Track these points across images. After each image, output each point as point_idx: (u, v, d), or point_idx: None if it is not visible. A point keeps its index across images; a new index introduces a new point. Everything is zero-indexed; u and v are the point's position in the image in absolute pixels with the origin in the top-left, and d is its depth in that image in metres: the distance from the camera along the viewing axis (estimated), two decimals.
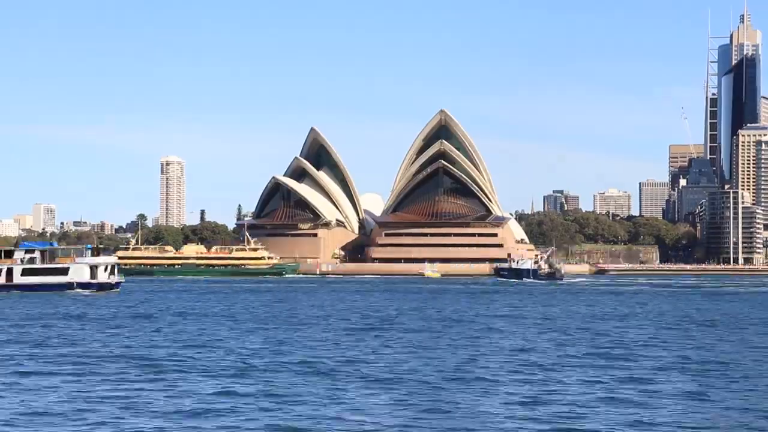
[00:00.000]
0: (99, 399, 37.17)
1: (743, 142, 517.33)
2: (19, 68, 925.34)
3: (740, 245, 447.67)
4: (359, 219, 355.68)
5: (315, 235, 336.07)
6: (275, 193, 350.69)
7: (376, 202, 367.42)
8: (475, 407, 35.49)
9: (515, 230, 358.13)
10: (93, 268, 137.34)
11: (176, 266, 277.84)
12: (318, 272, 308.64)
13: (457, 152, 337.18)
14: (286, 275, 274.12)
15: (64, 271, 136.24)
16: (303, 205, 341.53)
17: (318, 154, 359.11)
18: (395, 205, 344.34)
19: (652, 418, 33.52)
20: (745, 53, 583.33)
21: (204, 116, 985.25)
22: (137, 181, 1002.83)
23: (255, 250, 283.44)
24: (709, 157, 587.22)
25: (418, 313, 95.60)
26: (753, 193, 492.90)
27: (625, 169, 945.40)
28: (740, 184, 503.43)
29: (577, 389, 40.01)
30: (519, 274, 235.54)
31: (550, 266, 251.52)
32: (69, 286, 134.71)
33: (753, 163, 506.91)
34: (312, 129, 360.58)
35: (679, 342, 62.86)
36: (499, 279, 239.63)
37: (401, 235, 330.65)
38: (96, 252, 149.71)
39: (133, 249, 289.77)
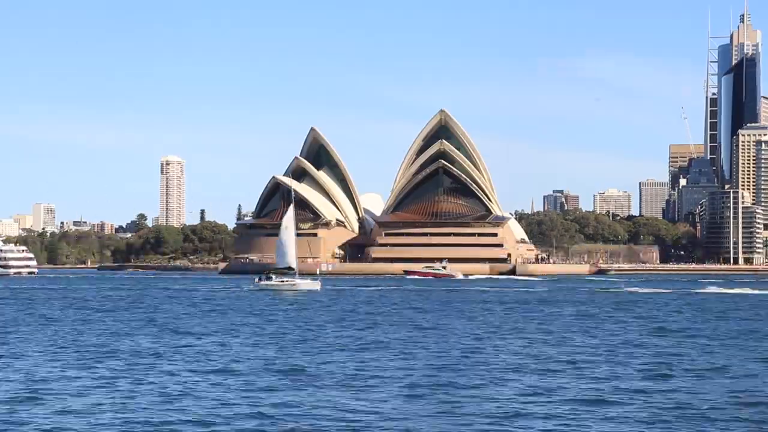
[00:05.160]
0: None
1: (743, 141, 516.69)
2: (19, 68, 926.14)
3: (740, 245, 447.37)
4: (359, 219, 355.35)
5: (315, 234, 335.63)
6: (275, 192, 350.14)
7: (376, 202, 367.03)
8: None
9: (515, 230, 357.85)
10: None
11: None
12: (318, 272, 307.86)
13: (457, 152, 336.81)
14: None
15: None
16: (303, 204, 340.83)
17: (318, 153, 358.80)
18: (395, 204, 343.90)
19: None
20: (745, 53, 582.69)
21: (204, 116, 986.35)
22: (137, 181, 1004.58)
23: None
24: (709, 157, 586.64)
25: None
26: (753, 193, 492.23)
27: (625, 169, 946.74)
28: (740, 183, 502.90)
29: None
30: None
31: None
32: None
33: (753, 163, 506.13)
34: (312, 129, 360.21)
35: None
36: None
37: (401, 235, 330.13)
38: None
39: None
